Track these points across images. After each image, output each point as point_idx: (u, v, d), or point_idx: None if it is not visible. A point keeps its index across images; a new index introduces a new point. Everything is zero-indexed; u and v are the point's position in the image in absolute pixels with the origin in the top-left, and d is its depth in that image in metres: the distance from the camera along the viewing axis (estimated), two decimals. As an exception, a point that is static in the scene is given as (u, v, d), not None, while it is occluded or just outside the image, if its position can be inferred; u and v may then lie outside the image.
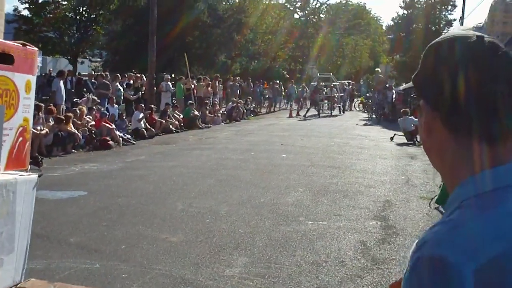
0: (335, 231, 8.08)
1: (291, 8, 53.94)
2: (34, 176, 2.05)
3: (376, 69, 42.80)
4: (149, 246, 7.12)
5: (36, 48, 2.12)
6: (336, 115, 34.41)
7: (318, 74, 42.15)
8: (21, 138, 2.00)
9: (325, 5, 54.31)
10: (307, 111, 34.08)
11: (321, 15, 54.68)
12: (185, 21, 33.30)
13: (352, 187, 11.40)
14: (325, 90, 36.25)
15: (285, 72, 44.84)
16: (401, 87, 38.06)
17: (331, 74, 41.19)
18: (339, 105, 37.13)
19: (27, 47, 2.02)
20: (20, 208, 1.95)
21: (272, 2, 52.20)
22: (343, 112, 36.90)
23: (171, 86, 25.38)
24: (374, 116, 30.91)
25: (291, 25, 51.95)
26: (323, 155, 16.29)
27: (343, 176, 12.75)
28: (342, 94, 38.13)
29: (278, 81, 37.81)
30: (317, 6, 53.69)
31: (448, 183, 1.30)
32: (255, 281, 6.08)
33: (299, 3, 53.55)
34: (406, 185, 11.96)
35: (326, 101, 36.27)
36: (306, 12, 53.14)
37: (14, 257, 1.93)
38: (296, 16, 54.19)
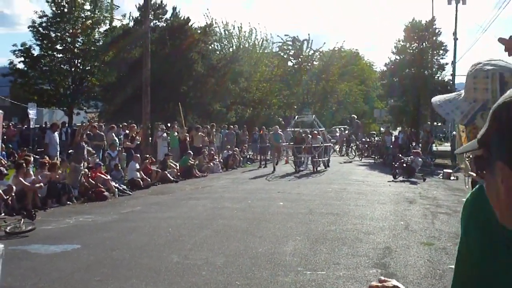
0: (335, 280, 7.89)
1: (285, 56, 54.40)
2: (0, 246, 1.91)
3: (352, 115, 42.75)
4: (143, 302, 6.92)
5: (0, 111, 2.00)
6: (320, 171, 26.31)
7: (296, 116, 33.57)
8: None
9: (318, 52, 54.75)
10: (275, 164, 28.29)
11: (315, 62, 55.10)
12: (179, 71, 33.49)
13: (351, 234, 11.22)
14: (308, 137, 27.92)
15: (280, 119, 44.88)
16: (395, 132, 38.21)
17: (313, 116, 32.49)
18: (324, 158, 28.05)
19: None
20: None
21: (266, 51, 52.67)
22: (328, 166, 27.85)
23: (166, 135, 25.35)
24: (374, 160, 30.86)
25: (285, 72, 52.31)
26: (321, 201, 16.13)
27: (341, 223, 12.58)
28: (329, 143, 29.72)
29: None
30: (310, 54, 54.14)
31: None
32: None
33: (293, 51, 53.98)
34: (406, 230, 11.78)
35: (306, 154, 27.56)
36: (300, 59, 53.55)
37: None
38: (290, 63, 54.62)
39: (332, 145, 29.58)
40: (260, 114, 45.87)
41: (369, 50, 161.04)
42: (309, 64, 54.46)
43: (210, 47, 42.62)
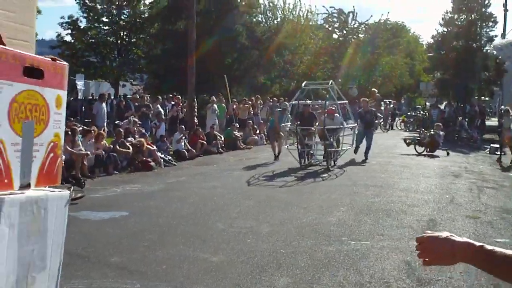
0: (379, 251, 7.91)
1: (330, 29, 53.87)
2: (66, 192, 1.99)
3: (373, 89, 41.91)
4: (190, 266, 7.05)
5: (66, 63, 2.07)
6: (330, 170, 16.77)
7: (303, 84, 20.26)
8: (52, 154, 1.95)
9: (364, 24, 54.02)
10: (277, 154, 19.71)
11: (360, 35, 54.46)
12: (224, 43, 33.47)
13: (395, 206, 11.19)
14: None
15: (325, 92, 44.59)
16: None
17: (333, 82, 20.13)
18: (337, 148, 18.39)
19: (57, 61, 1.97)
20: (52, 226, 1.90)
21: (310, 23, 52.15)
22: (334, 163, 17.76)
23: (216, 108, 25.46)
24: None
25: (330, 45, 51.84)
26: (365, 174, 16.09)
27: (385, 195, 12.54)
28: (354, 123, 20.10)
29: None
30: (355, 26, 53.51)
31: None
32: (297, 301, 5.96)
33: (338, 24, 53.42)
34: (451, 204, 11.69)
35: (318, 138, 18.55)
36: (345, 32, 53.00)
37: (46, 275, 1.87)
38: (334, 36, 54.11)
39: (353, 126, 19.55)
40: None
41: (415, 22, 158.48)
42: (354, 37, 53.83)
43: (255, 19, 42.47)
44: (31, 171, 1.84)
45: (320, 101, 22.19)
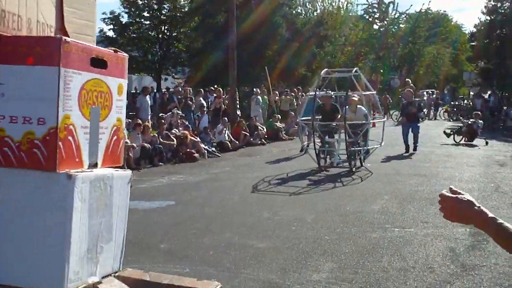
0: (423, 238, 7.96)
1: (370, 19, 53.48)
2: (129, 172, 2.16)
3: (407, 79, 41.10)
4: (237, 252, 7.23)
5: (126, 54, 2.23)
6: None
7: (324, 70, 17.67)
8: (115, 137, 2.11)
9: (405, 14, 53.48)
10: (305, 148, 16.91)
11: (401, 25, 53.96)
12: (264, 36, 33.53)
13: (439, 195, 11.16)
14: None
15: (354, 82, 44.27)
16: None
17: (355, 69, 17.38)
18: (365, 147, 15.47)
19: (118, 53, 2.13)
20: (117, 201, 2.07)
21: (351, 14, 51.86)
22: (361, 164, 15.16)
23: (260, 99, 25.58)
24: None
25: (371, 36, 51.52)
26: (408, 163, 16.06)
27: (429, 184, 12.51)
28: (383, 118, 19.63)
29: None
30: (396, 16, 53.02)
31: None
32: (342, 286, 6.07)
33: (378, 14, 53.02)
34: (496, 192, 11.61)
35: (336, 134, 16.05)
36: (385, 22, 52.56)
37: (112, 246, 2.05)
38: (375, 27, 53.73)
39: (381, 121, 17.85)
40: (345, 78, 45.43)
41: (457, 11, 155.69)
42: (395, 27, 53.35)
43: (294, 11, 42.42)
44: (98, 152, 2.01)
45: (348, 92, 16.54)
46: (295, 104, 27.79)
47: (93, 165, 1.93)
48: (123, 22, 40.45)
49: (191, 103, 22.74)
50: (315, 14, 47.62)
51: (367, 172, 14.24)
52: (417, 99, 21.98)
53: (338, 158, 15.42)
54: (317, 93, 16.13)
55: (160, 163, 16.05)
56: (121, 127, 2.14)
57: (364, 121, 15.21)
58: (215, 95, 24.70)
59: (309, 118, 15.62)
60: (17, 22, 1.79)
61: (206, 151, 17.85)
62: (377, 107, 19.33)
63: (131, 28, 40.34)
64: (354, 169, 14.66)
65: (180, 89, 25.86)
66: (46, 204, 1.73)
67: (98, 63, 1.96)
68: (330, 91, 17.69)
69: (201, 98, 23.49)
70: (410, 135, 18.54)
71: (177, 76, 44.29)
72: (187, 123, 19.55)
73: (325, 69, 17.77)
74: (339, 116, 15.57)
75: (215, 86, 26.77)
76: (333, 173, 14.49)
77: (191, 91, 24.87)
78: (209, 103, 24.29)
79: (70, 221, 1.73)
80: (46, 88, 1.72)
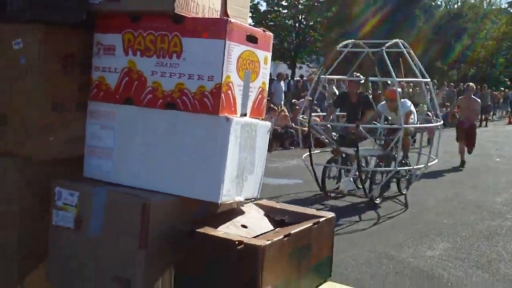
0: (545, 229, 8.13)
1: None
2: (268, 123, 2.83)
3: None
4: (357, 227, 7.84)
5: (271, 33, 2.89)
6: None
7: (339, 46, 11.33)
8: (260, 96, 2.77)
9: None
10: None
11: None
12: (401, 27, 33.35)
13: None
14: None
15: (506, 79, 42.75)
16: None
17: (383, 49, 10.71)
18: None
19: (266, 32, 2.79)
20: (259, 144, 2.74)
21: (493, 8, 50.07)
22: (400, 191, 10.13)
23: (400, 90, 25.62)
24: None
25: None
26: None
27: None
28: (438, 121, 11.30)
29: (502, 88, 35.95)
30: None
31: None
32: (454, 262, 6.50)
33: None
34: None
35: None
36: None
37: (253, 177, 2.73)
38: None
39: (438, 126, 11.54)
40: (484, 73, 44.18)
41: None
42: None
43: (434, 3, 41.73)
44: (247, 105, 2.68)
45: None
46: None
47: (243, 114, 2.59)
48: (262, 10, 41.53)
49: (324, 91, 23.27)
50: (455, 7, 46.52)
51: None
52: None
53: (347, 183, 9.89)
54: (325, 76, 11.70)
55: (291, 147, 16.75)
56: (265, 89, 2.80)
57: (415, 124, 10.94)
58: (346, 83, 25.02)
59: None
60: (195, 8, 2.48)
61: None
62: (433, 104, 12.52)
63: (269, 16, 41.31)
64: (378, 200, 9.49)
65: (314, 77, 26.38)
66: (210, 137, 2.41)
67: (251, 39, 2.61)
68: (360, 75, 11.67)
69: (334, 87, 23.93)
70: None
71: (312, 65, 44.79)
72: (319, 110, 20.08)
73: (344, 42, 11.29)
74: (371, 115, 10.43)
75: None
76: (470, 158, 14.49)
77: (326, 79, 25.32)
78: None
79: (226, 150, 2.39)
80: (215, 55, 2.40)
